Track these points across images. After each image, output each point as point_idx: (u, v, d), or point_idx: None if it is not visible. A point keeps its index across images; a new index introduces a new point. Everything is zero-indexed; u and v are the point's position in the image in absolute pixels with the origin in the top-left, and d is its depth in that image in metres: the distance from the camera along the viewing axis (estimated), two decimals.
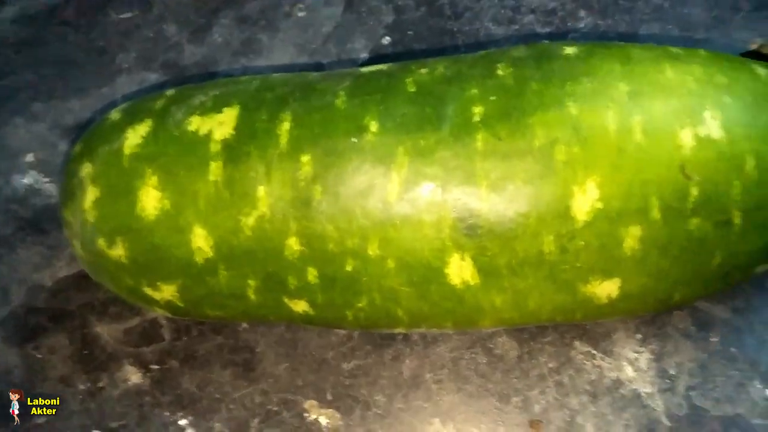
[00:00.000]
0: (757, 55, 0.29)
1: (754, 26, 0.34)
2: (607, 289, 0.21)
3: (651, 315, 0.27)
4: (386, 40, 0.38)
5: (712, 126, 0.20)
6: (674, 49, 0.22)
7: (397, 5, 0.39)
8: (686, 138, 0.19)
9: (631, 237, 0.20)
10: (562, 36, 0.36)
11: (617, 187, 0.19)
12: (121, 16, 0.44)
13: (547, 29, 0.37)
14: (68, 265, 0.33)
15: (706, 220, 0.20)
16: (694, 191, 0.19)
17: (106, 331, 0.31)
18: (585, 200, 0.19)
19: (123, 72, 0.41)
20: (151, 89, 0.40)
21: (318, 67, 0.38)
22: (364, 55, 0.38)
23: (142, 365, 0.30)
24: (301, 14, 0.41)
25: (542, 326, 0.28)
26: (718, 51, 0.34)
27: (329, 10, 0.41)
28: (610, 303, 0.21)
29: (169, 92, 0.25)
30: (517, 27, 0.37)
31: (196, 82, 0.39)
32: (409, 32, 0.38)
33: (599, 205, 0.19)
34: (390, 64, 0.24)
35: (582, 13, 0.37)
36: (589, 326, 0.27)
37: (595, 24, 0.36)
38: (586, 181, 0.19)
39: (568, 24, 0.36)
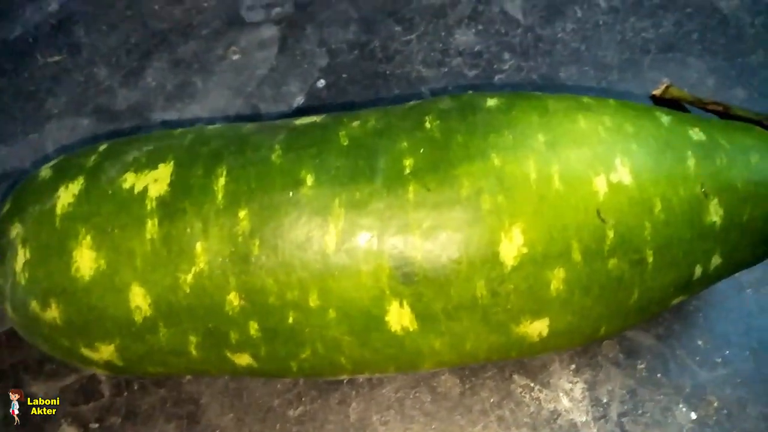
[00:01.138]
0: (662, 99, 0.32)
1: (661, 66, 0.37)
2: (537, 328, 0.22)
3: (583, 346, 0.29)
4: (321, 83, 0.39)
5: (623, 172, 0.21)
6: (586, 99, 0.24)
7: (331, 48, 0.40)
8: (600, 184, 0.21)
9: (556, 279, 0.21)
10: (488, 77, 0.38)
11: (540, 232, 0.21)
12: (50, 60, 0.43)
13: (475, 71, 0.38)
14: None
15: (622, 260, 0.21)
16: (611, 233, 0.21)
17: (41, 391, 0.30)
18: (511, 246, 0.21)
19: (53, 118, 0.40)
20: (84, 136, 0.39)
21: (254, 110, 0.39)
22: (300, 99, 0.39)
23: (81, 424, 0.29)
24: (235, 57, 0.41)
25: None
26: (631, 90, 0.36)
27: (263, 53, 0.41)
28: (541, 341, 0.22)
29: (102, 147, 0.25)
30: (446, 69, 0.39)
31: (131, 127, 0.39)
32: (343, 75, 0.39)
33: (525, 250, 0.21)
34: (323, 116, 0.25)
35: (506, 55, 0.39)
36: (527, 360, 0.29)
37: (518, 66, 0.38)
38: (512, 227, 0.21)
39: (494, 66, 0.38)
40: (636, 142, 0.22)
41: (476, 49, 0.39)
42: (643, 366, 0.28)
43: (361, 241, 0.21)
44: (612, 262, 0.21)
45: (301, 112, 0.38)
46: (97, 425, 0.29)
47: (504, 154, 0.21)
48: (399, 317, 0.21)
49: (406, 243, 0.21)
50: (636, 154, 0.22)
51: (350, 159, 0.22)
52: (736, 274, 0.30)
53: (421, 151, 0.22)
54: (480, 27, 0.40)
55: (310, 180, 0.22)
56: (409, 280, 0.21)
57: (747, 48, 0.37)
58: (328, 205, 0.21)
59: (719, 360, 0.28)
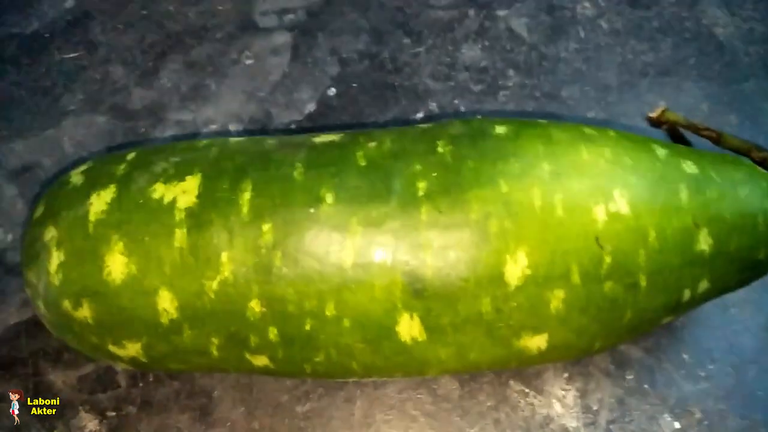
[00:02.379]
0: (658, 121, 0.34)
1: (659, 89, 0.39)
2: (536, 342, 0.24)
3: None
4: (332, 91, 0.41)
5: (621, 203, 0.23)
6: (588, 130, 0.25)
7: (342, 57, 0.42)
8: (600, 213, 0.23)
9: (556, 298, 0.23)
10: (493, 93, 0.40)
11: (543, 255, 0.22)
12: (66, 56, 0.44)
13: (480, 86, 0.40)
14: (18, 311, 0.33)
15: (617, 283, 0.23)
16: (608, 259, 0.23)
17: (60, 379, 0.31)
18: (516, 267, 0.22)
19: (69, 114, 0.41)
20: (100, 133, 0.40)
21: (266, 115, 0.40)
22: (311, 106, 0.40)
23: (99, 412, 0.30)
24: (248, 62, 0.42)
25: None
26: (629, 111, 0.38)
27: (276, 59, 0.42)
28: (539, 354, 0.24)
29: (129, 156, 0.26)
30: (452, 83, 0.40)
31: (146, 126, 0.40)
32: (353, 84, 0.41)
33: (528, 271, 0.22)
34: (341, 135, 0.26)
35: (510, 72, 0.40)
36: (523, 368, 0.30)
37: (522, 83, 0.40)
38: (517, 250, 0.22)
39: (499, 82, 0.40)
40: (634, 175, 0.24)
41: (482, 64, 0.41)
42: (631, 377, 0.30)
43: (377, 257, 0.23)
44: (608, 285, 0.23)
45: (311, 119, 0.40)
46: (113, 414, 0.30)
47: (511, 181, 0.23)
48: (409, 328, 0.23)
49: (418, 260, 0.22)
50: (633, 186, 0.23)
51: (367, 179, 0.23)
52: None
53: (434, 174, 0.23)
54: (486, 43, 0.42)
55: (330, 198, 0.23)
56: (419, 295, 0.23)
57: (741, 75, 0.39)
58: (347, 222, 0.23)
59: (703, 374, 0.30)
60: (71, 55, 0.44)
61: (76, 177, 0.26)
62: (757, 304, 0.31)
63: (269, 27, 0.44)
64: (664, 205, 0.23)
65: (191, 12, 0.45)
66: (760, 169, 0.27)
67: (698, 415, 0.29)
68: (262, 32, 0.44)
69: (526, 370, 0.30)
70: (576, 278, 0.23)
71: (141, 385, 0.31)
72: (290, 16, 0.44)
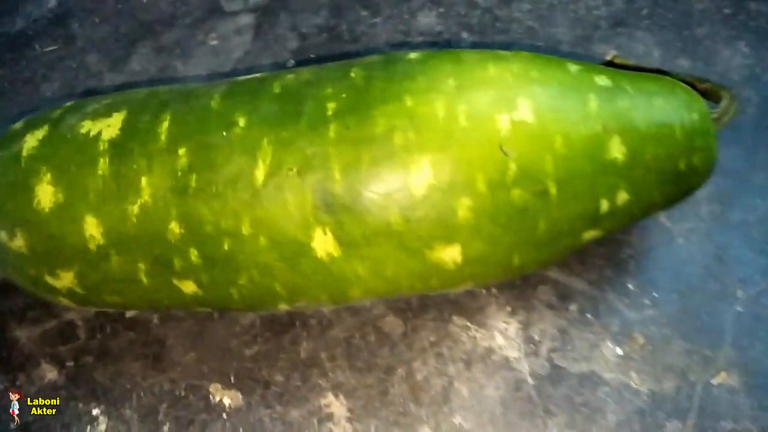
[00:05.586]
0: (613, 65, 0.34)
1: (611, 40, 0.39)
2: (450, 254, 0.24)
3: (519, 289, 0.31)
4: (291, 63, 0.42)
5: (525, 111, 0.23)
6: (502, 52, 0.26)
7: (301, 32, 0.43)
8: (503, 122, 0.23)
9: (463, 207, 0.23)
10: None
11: (446, 164, 0.23)
12: (46, 50, 0.46)
13: (434, 48, 0.41)
14: None
15: (525, 191, 0.23)
16: (513, 166, 0.23)
17: (24, 335, 0.33)
18: (420, 177, 0.23)
19: (47, 100, 0.44)
20: None
21: None
22: None
23: (58, 363, 0.31)
24: (213, 43, 0.44)
25: (425, 304, 0.31)
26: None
27: (240, 39, 0.44)
28: (457, 268, 0.24)
29: (69, 104, 0.28)
30: (407, 48, 0.41)
31: None
32: (311, 55, 0.42)
33: (432, 180, 0.23)
34: (265, 73, 0.27)
35: (464, 34, 0.41)
36: (466, 302, 0.31)
37: (475, 43, 0.40)
38: (420, 160, 0.23)
39: (452, 45, 0.41)
40: (540, 86, 0.24)
41: (437, 29, 0.42)
42: (574, 308, 0.30)
43: (287, 175, 0.23)
44: (515, 193, 0.23)
45: None
46: (72, 363, 0.31)
47: (416, 97, 0.23)
48: (323, 243, 0.24)
49: (327, 176, 0.23)
50: (539, 95, 0.24)
51: (280, 104, 0.24)
52: (668, 225, 0.32)
53: (344, 96, 0.24)
54: (441, 10, 0.43)
55: (242, 122, 0.24)
56: (330, 210, 0.23)
57: (694, 22, 0.39)
58: (258, 144, 0.24)
59: (647, 302, 0.30)
60: (51, 48, 0.46)
61: (19, 124, 0.28)
62: (705, 234, 0.31)
63: (235, 10, 0.46)
64: (571, 113, 0.24)
65: (162, 2, 0.47)
66: (683, 84, 0.27)
67: (641, 341, 0.29)
68: (228, 15, 0.46)
69: (469, 304, 0.30)
70: (482, 186, 0.23)
71: (99, 336, 0.32)
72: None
